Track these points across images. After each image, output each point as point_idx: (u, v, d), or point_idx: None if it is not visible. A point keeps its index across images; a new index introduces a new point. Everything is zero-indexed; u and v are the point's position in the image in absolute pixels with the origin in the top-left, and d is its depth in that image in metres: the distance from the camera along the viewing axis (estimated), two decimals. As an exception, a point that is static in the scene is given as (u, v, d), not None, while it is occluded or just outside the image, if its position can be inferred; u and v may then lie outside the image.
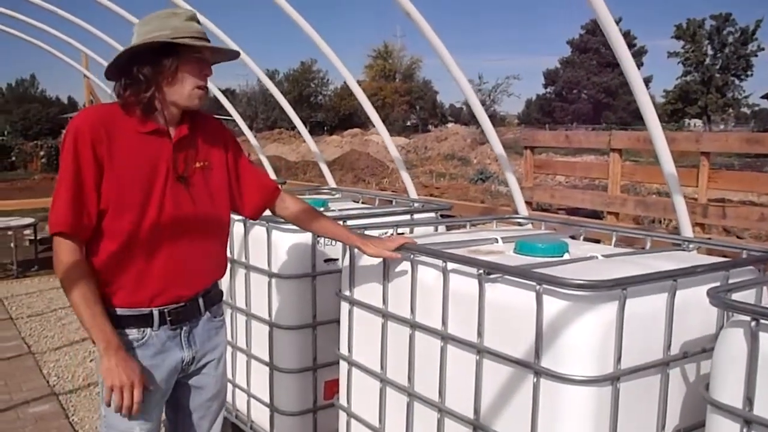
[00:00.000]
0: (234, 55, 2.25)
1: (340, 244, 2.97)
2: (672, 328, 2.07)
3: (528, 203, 6.90)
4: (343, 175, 19.13)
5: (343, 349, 2.84)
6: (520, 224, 3.57)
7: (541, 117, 49.68)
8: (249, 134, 6.80)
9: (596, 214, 6.85)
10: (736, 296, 2.04)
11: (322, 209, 3.76)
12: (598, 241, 3.36)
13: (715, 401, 1.75)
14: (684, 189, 6.74)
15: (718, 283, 2.16)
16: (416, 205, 4.02)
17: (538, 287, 1.95)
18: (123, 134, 2.02)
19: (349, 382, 2.82)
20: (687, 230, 3.05)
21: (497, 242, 2.74)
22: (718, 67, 46.86)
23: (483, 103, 45.31)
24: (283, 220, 3.29)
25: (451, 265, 2.28)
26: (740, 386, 1.69)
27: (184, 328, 2.17)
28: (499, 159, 3.68)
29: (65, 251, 1.97)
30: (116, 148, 2.00)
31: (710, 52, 47.32)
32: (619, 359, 1.93)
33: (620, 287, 1.91)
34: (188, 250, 2.13)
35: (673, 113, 47.45)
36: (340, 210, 3.77)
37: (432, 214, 3.68)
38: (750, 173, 6.42)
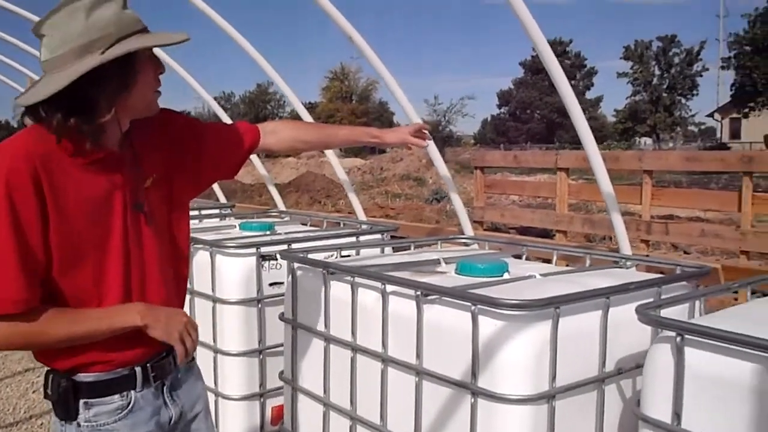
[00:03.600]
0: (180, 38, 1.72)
1: (285, 267, 2.94)
2: (606, 344, 2.10)
3: (480, 222, 6.98)
4: (299, 197, 19.06)
5: (287, 374, 2.81)
6: (466, 244, 3.61)
7: (496, 137, 50.34)
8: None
9: (547, 233, 6.94)
10: (667, 311, 2.09)
11: (267, 233, 3.76)
12: (549, 261, 3.41)
13: (645, 416, 1.78)
14: (632, 206, 6.91)
15: (651, 299, 2.21)
16: (364, 226, 4.02)
17: (473, 308, 1.97)
18: (65, 170, 1.61)
19: (294, 407, 2.79)
20: (625, 248, 3.11)
21: (440, 263, 2.76)
22: (665, 86, 48.13)
23: (438, 123, 45.67)
24: (230, 244, 3.31)
25: (390, 287, 2.28)
26: (668, 401, 1.72)
27: (166, 383, 1.83)
28: (444, 180, 3.72)
29: (18, 332, 1.58)
30: (60, 190, 1.60)
31: (657, 72, 48.61)
32: (554, 377, 1.96)
33: (552, 306, 1.93)
34: (158, 290, 1.79)
35: (623, 132, 48.52)
36: (286, 233, 3.76)
37: (378, 236, 3.69)
38: (691, 190, 6.61)
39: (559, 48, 49.48)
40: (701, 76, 47.83)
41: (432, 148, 3.65)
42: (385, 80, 3.46)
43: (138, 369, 1.75)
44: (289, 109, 62.12)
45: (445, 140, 46.08)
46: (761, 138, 36.47)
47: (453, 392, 2.08)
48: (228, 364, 3.29)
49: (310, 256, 2.82)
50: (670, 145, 48.69)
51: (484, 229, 6.91)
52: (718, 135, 48.88)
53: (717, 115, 48.05)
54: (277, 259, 3.25)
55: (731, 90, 35.46)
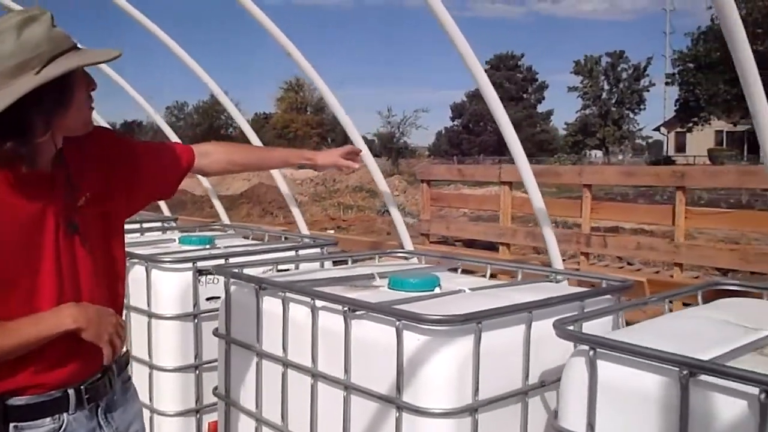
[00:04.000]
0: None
1: (222, 282, 2.94)
2: (529, 358, 2.15)
3: (426, 235, 7.06)
4: (251, 208, 18.97)
5: (221, 389, 2.80)
6: (406, 258, 3.65)
7: (450, 149, 50.82)
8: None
9: (493, 245, 7.03)
10: (592, 324, 2.16)
11: (207, 246, 3.74)
12: (494, 276, 3.45)
13: (562, 428, 1.83)
14: (574, 219, 7.06)
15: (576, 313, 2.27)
16: (306, 240, 4.03)
17: (397, 323, 2.00)
18: None
19: (227, 423, 2.77)
20: (557, 262, 3.19)
21: (375, 278, 2.79)
22: (614, 101, 49.27)
23: (393, 135, 45.83)
24: (166, 258, 3.29)
25: (320, 303, 2.30)
26: (583, 413, 1.77)
27: (101, 404, 1.80)
28: (384, 196, 3.75)
29: None
30: None
31: (606, 87, 49.77)
32: (476, 391, 1.99)
33: (474, 321, 1.97)
34: None
35: (574, 144, 49.48)
36: (225, 247, 3.74)
37: (318, 250, 3.70)
38: (627, 204, 6.79)
39: (511, 62, 50.29)
40: (648, 91, 49.17)
41: (371, 163, 3.69)
42: (323, 92, 3.49)
43: (71, 391, 1.71)
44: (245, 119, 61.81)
45: (400, 152, 46.36)
46: (705, 151, 37.60)
47: (380, 406, 2.10)
48: (163, 380, 3.26)
49: (247, 270, 2.82)
50: (620, 157, 49.85)
51: (431, 242, 6.97)
52: (665, 148, 50.20)
53: (663, 129, 49.37)
54: (214, 274, 3.24)
55: (675, 105, 36.49)
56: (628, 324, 2.31)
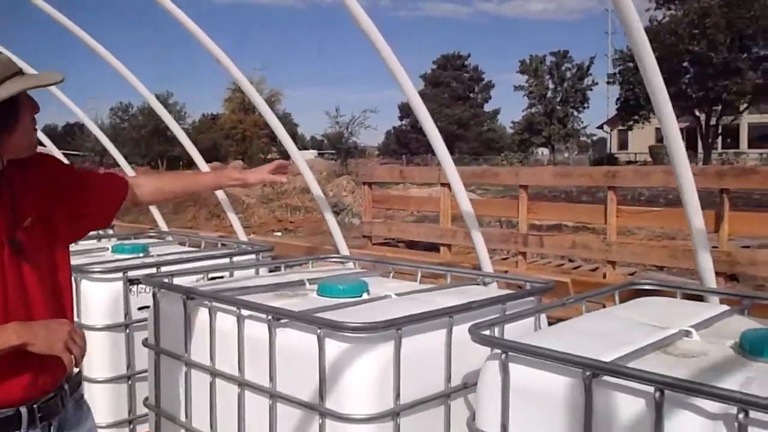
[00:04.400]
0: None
1: (151, 292, 2.92)
2: (451, 361, 2.20)
3: (369, 237, 7.10)
4: (197, 211, 18.72)
5: (152, 400, 2.79)
6: (343, 263, 3.69)
7: (398, 148, 51.01)
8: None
9: (435, 246, 7.10)
10: (512, 326, 2.23)
11: (140, 255, 3.71)
12: (436, 277, 3.49)
13: (478, 430, 1.88)
14: (512, 219, 7.18)
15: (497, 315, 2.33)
16: (242, 247, 4.03)
17: (319, 331, 2.03)
18: None
19: (158, 433, 2.77)
20: (486, 264, 3.26)
21: (305, 284, 2.81)
22: (558, 100, 50.07)
23: (341, 135, 45.59)
24: (96, 268, 3.25)
25: (246, 311, 2.31)
26: (498, 414, 1.83)
27: (53, 423, 1.79)
28: (317, 200, 3.77)
29: None
30: None
31: (551, 86, 50.55)
32: (398, 396, 2.04)
33: (394, 328, 2.02)
34: None
35: (521, 143, 50.18)
36: (158, 255, 3.71)
37: (252, 257, 3.71)
38: (562, 204, 6.95)
39: (458, 62, 50.70)
40: (591, 90, 50.04)
41: (306, 171, 3.69)
42: (249, 95, 3.50)
43: (23, 409, 1.71)
44: (190, 121, 60.92)
45: (349, 152, 46.29)
46: (646, 148, 38.58)
47: (304, 414, 2.13)
48: (96, 391, 3.21)
49: (178, 279, 2.81)
50: (566, 155, 50.73)
51: (374, 244, 7.02)
52: (609, 146, 51.29)
53: (606, 127, 50.41)
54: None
55: (617, 104, 37.34)
56: (559, 322, 2.37)
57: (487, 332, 1.96)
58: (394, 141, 56.42)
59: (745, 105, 33.46)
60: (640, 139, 40.29)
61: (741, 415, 1.41)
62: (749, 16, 30.28)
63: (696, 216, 2.57)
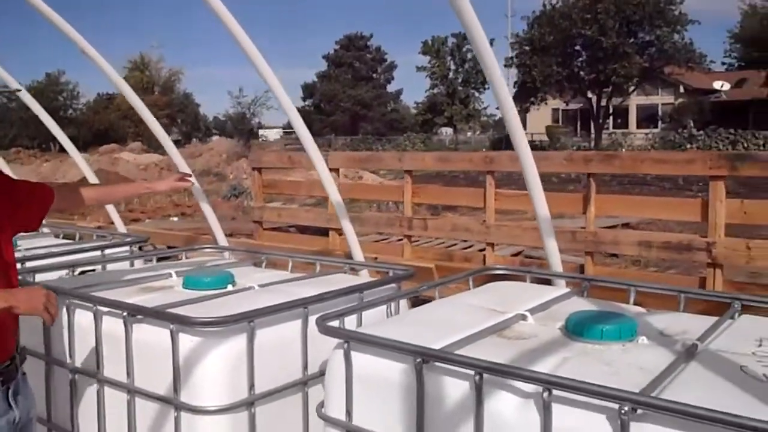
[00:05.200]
0: None
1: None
2: (307, 351, 2.28)
3: (259, 222, 7.08)
4: (89, 196, 18.03)
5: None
6: (218, 253, 3.70)
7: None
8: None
9: (327, 231, 7.14)
10: (371, 312, 2.32)
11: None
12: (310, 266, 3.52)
13: (326, 416, 1.97)
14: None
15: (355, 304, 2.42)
16: (117, 239, 3.96)
17: (172, 327, 2.06)
18: None
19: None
20: (357, 253, 3.35)
21: (171, 276, 2.82)
22: (460, 80, 50.95)
23: (243, 115, 44.76)
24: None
25: (103, 308, 2.31)
26: (343, 402, 1.92)
27: (10, 387, 2.00)
28: (194, 192, 3.75)
29: None
30: None
31: (453, 67, 51.35)
32: (252, 386, 2.10)
33: (246, 320, 2.08)
34: None
35: (424, 123, 50.85)
36: (26, 249, 3.61)
37: (126, 249, 3.67)
38: (447, 188, 7.15)
39: (360, 42, 50.70)
40: (491, 71, 51.20)
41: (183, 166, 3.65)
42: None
43: None
44: (84, 101, 58.36)
45: (251, 133, 45.64)
46: (543, 129, 39.87)
47: (161, 407, 2.16)
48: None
49: (44, 275, 2.79)
50: (469, 134, 51.77)
51: (265, 229, 7.01)
52: (509, 126, 52.65)
53: (506, 108, 51.74)
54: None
55: (514, 87, 38.40)
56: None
57: (335, 322, 2.05)
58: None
59: (633, 87, 35.05)
60: (538, 119, 41.56)
61: (545, 394, 1.55)
62: (636, 3, 31.67)
63: (540, 204, 2.73)
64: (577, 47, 35.14)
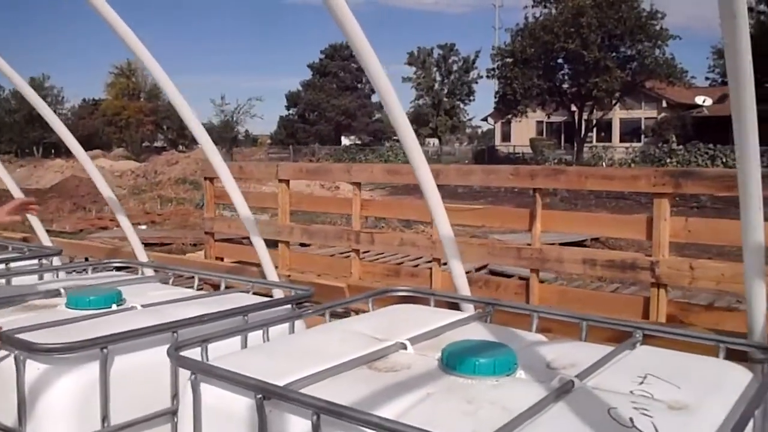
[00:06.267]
0: None
1: None
2: (178, 377, 2.13)
3: (211, 234, 6.92)
4: (61, 203, 17.82)
5: None
6: (128, 268, 3.56)
7: (286, 138, 50.49)
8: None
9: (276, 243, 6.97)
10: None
11: None
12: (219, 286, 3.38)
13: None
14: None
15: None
16: (29, 251, 3.80)
17: (16, 352, 1.91)
18: None
19: None
20: (270, 272, 3.21)
21: (60, 294, 2.67)
22: (445, 92, 50.99)
23: (227, 123, 44.57)
24: None
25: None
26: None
27: None
28: (108, 202, 3.60)
29: None
30: None
31: (439, 78, 51.40)
32: (105, 417, 1.95)
33: (98, 347, 1.92)
34: None
35: (409, 134, 50.85)
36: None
37: (35, 261, 3.51)
38: (396, 201, 7.03)
39: (346, 51, 50.69)
40: (476, 83, 51.23)
41: (96, 174, 3.50)
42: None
43: None
44: (69, 106, 58.02)
45: (234, 141, 45.38)
46: (527, 141, 39.93)
47: (10, 440, 2.00)
48: None
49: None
50: (456, 145, 51.84)
51: (216, 240, 6.85)
52: (495, 138, 52.75)
53: (491, 120, 51.74)
54: None
55: (495, 98, 38.47)
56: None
57: (196, 350, 1.91)
58: (282, 131, 55.84)
59: (615, 101, 35.11)
60: (522, 131, 41.62)
61: (380, 439, 1.41)
62: (617, 17, 31.78)
63: (444, 226, 2.61)
64: (560, 60, 35.21)
